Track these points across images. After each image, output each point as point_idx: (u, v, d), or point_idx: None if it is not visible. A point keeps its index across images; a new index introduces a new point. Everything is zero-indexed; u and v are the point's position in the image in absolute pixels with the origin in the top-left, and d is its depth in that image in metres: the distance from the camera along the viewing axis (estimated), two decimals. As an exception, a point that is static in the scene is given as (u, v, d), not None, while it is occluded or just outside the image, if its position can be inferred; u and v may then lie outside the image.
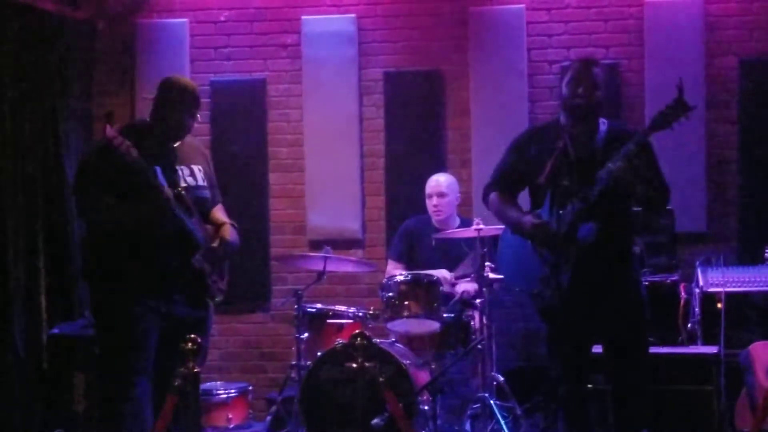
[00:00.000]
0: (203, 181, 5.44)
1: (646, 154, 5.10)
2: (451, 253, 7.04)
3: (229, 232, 5.50)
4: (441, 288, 6.66)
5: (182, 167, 5.35)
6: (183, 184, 5.30)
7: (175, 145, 5.36)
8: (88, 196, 5.20)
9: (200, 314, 5.40)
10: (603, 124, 5.28)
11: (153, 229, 5.15)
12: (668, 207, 5.90)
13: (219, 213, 5.60)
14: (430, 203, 7.17)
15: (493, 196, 5.48)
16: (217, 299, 5.48)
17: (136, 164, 5.00)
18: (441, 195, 7.13)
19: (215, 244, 5.41)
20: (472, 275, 6.68)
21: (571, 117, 5.22)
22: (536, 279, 5.25)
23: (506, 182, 5.46)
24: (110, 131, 4.99)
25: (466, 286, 6.81)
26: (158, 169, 5.17)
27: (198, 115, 5.39)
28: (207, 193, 5.47)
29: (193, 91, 5.36)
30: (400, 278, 6.67)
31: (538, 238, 5.21)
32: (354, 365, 4.91)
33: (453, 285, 6.88)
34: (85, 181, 5.25)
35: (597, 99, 5.19)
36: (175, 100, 5.28)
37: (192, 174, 5.39)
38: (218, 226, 5.51)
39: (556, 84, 7.71)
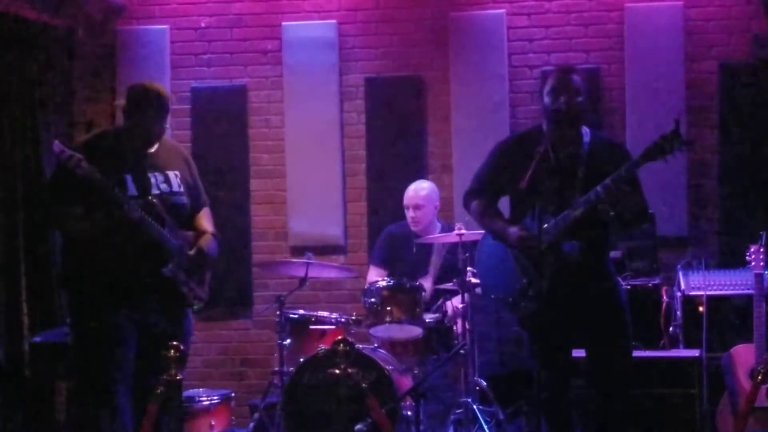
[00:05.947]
0: (179, 187, 5.38)
1: (632, 179, 5.10)
2: (433, 259, 7.04)
3: (208, 242, 5.47)
4: (423, 294, 6.68)
5: (156, 174, 5.30)
6: (155, 192, 5.25)
7: (150, 151, 5.32)
8: (56, 207, 5.17)
9: (176, 323, 5.35)
10: (586, 135, 5.29)
11: (117, 239, 5.11)
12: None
13: (203, 220, 5.56)
14: (408, 214, 7.15)
15: (474, 204, 5.46)
16: (195, 307, 5.45)
17: (88, 177, 4.96)
18: (417, 207, 7.10)
19: (191, 252, 5.38)
20: (454, 282, 6.68)
21: (554, 125, 5.22)
22: (513, 288, 5.27)
23: (488, 188, 5.45)
24: (56, 146, 4.96)
25: (455, 303, 6.79)
26: (128, 177, 5.16)
27: (167, 120, 5.34)
28: (183, 199, 5.41)
29: (160, 95, 5.29)
30: (382, 284, 6.67)
31: (523, 249, 5.22)
32: (337, 371, 4.89)
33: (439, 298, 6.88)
34: (52, 193, 5.21)
35: (579, 106, 5.20)
36: (143, 105, 5.25)
37: (167, 180, 5.34)
38: (198, 234, 5.48)
39: (536, 89, 7.68)
